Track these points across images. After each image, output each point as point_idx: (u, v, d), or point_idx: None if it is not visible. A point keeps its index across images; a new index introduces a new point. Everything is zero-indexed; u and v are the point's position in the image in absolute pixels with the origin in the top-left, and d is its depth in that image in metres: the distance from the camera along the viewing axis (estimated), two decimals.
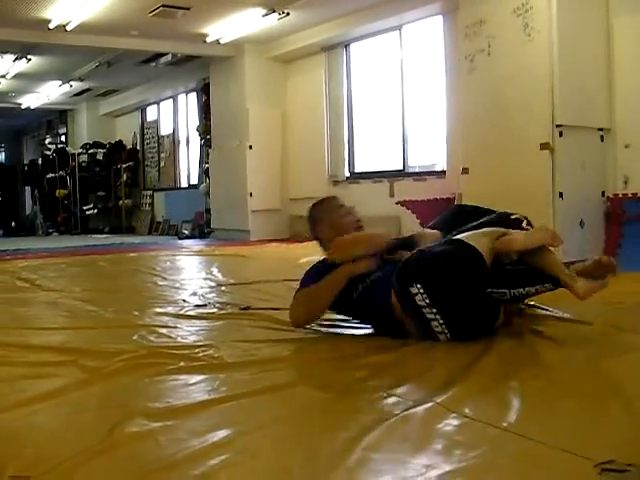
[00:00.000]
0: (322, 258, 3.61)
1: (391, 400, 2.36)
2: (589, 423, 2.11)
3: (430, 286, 3.10)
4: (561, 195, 6.42)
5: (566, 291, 3.17)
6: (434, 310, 3.10)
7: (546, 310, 3.97)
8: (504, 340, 3.24)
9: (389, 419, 2.13)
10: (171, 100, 15.42)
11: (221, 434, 2.08)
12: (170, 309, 4.34)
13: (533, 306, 4.02)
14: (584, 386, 2.52)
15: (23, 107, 16.81)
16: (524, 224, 3.55)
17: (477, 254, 3.13)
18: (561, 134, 6.43)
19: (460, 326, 3.12)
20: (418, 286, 3.10)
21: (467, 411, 2.20)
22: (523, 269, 3.16)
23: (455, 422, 2.12)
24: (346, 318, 3.64)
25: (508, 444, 1.92)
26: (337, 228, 3.60)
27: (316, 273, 3.47)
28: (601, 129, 6.83)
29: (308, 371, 2.83)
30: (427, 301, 3.09)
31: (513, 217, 3.60)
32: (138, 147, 16.91)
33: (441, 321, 3.09)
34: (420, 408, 2.25)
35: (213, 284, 5.72)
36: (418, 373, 2.69)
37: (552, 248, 3.16)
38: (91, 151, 17.03)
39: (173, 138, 15.54)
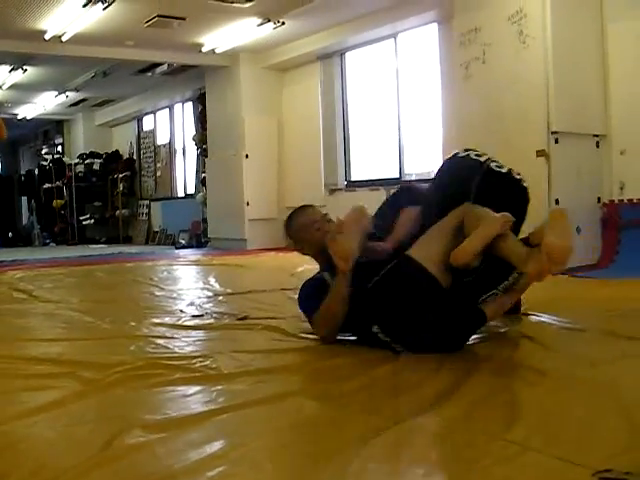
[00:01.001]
0: (315, 274, 3.61)
1: (389, 412, 2.36)
2: (587, 431, 2.11)
3: (386, 327, 3.13)
4: (557, 201, 6.43)
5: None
6: (398, 344, 3.11)
7: (541, 317, 3.98)
8: (499, 348, 3.25)
9: (387, 430, 2.13)
10: (167, 110, 15.43)
11: (218, 445, 2.08)
12: (167, 319, 4.34)
13: (528, 314, 4.02)
14: (581, 394, 2.52)
15: (19, 117, 16.81)
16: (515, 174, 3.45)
17: (429, 278, 3.09)
18: (557, 141, 6.45)
19: (427, 349, 3.10)
20: (376, 327, 3.14)
21: (465, 422, 2.20)
22: (486, 272, 3.10)
23: (453, 433, 2.13)
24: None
25: (506, 453, 1.92)
26: (317, 244, 3.55)
27: (314, 291, 3.44)
28: (596, 135, 6.85)
29: (306, 381, 2.84)
30: (388, 338, 3.13)
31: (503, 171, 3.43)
32: (135, 157, 16.92)
33: (407, 352, 3.10)
34: (418, 420, 2.25)
35: (210, 294, 5.71)
36: (416, 384, 2.68)
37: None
38: (88, 161, 17.03)
39: (169, 148, 15.55)
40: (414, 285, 3.11)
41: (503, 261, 3.02)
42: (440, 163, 3.75)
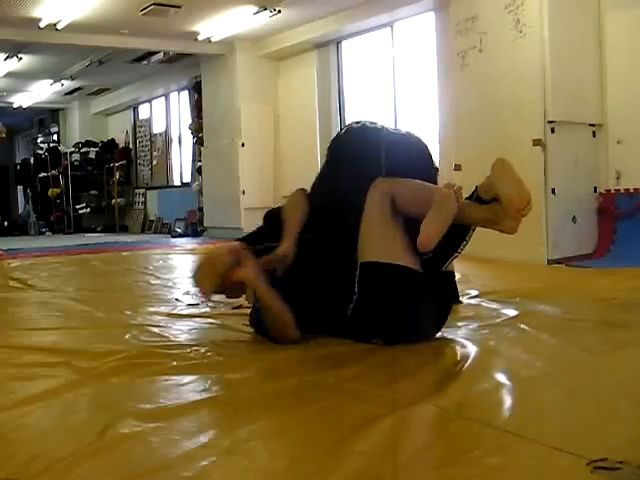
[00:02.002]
0: None
1: (384, 400, 2.35)
2: (582, 420, 2.11)
3: (388, 338, 3.07)
4: (553, 191, 6.43)
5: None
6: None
7: (537, 306, 3.98)
8: (495, 337, 3.24)
9: (383, 418, 2.12)
10: (163, 98, 15.40)
11: (213, 434, 2.08)
12: (163, 308, 4.33)
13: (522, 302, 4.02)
14: (578, 383, 2.52)
15: (15, 106, 16.79)
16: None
17: (402, 270, 3.03)
18: (553, 130, 6.44)
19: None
20: (376, 339, 3.09)
21: (461, 411, 2.20)
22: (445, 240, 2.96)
23: (450, 422, 2.13)
24: None
25: (500, 442, 1.92)
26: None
27: (259, 314, 3.32)
28: (593, 125, 6.85)
29: (301, 370, 2.82)
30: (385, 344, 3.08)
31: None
32: (130, 146, 16.90)
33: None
34: (413, 408, 2.25)
35: None
36: (409, 373, 2.68)
37: None
38: (83, 150, 17.01)
39: (165, 136, 15.53)
40: (395, 284, 3.05)
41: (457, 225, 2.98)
42: (334, 136, 3.74)
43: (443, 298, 3.19)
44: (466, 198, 3.01)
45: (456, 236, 2.99)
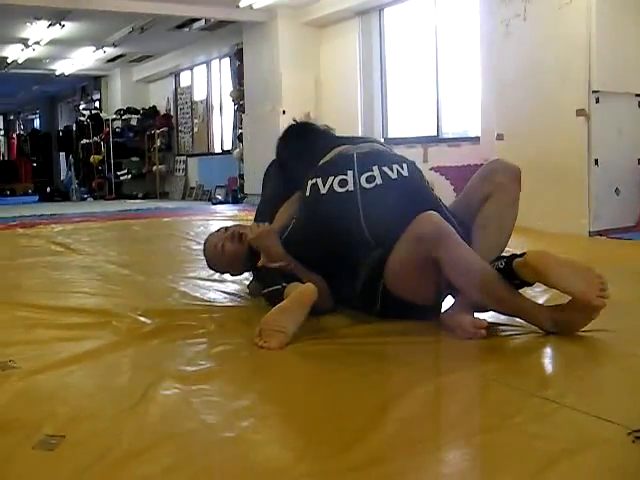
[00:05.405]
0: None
1: (425, 366, 2.36)
2: (623, 390, 2.11)
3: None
4: (596, 162, 6.35)
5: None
6: None
7: None
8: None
9: (424, 384, 2.13)
10: (204, 66, 15.39)
11: (253, 397, 2.10)
12: (203, 273, 4.35)
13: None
14: (618, 355, 2.51)
15: (57, 73, 16.87)
16: None
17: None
18: (597, 100, 6.35)
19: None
20: None
21: (503, 378, 2.19)
22: None
23: (491, 389, 2.14)
24: None
25: (541, 410, 1.92)
26: (234, 259, 3.48)
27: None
28: (638, 95, 6.73)
29: (340, 337, 2.82)
30: None
31: None
32: (172, 113, 16.92)
33: None
34: (455, 375, 2.26)
35: None
36: (453, 342, 2.68)
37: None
38: (125, 117, 17.07)
39: (207, 104, 15.53)
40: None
41: None
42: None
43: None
44: (497, 266, 2.68)
45: None
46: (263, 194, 3.87)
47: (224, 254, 3.48)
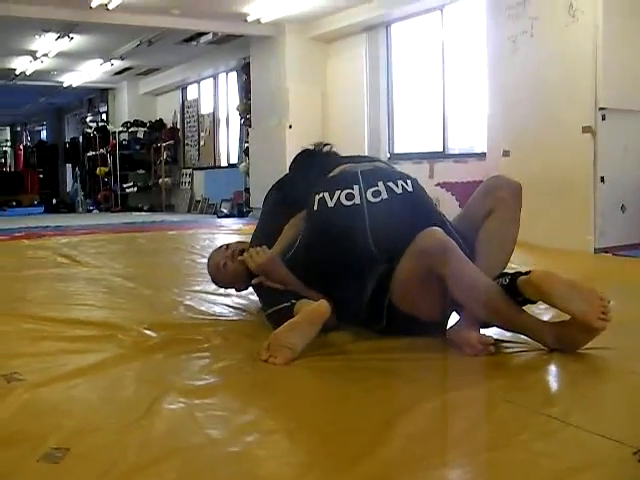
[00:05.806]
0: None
1: (431, 382, 2.36)
2: (629, 410, 2.10)
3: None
4: (602, 179, 6.35)
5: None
6: None
7: None
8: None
9: (430, 401, 2.13)
10: (212, 79, 15.43)
11: (257, 413, 2.10)
12: (208, 287, 4.34)
13: None
14: (623, 374, 2.50)
15: (65, 85, 16.93)
16: None
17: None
18: (604, 117, 6.35)
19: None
20: None
21: (508, 396, 2.19)
22: None
23: (496, 407, 2.13)
24: None
25: (546, 429, 1.91)
26: (236, 277, 3.51)
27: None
28: None
29: (344, 353, 2.82)
30: None
31: None
32: (178, 126, 16.96)
33: None
34: (460, 392, 2.26)
35: None
36: (458, 359, 2.67)
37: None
38: (132, 129, 17.11)
39: (213, 117, 15.57)
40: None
41: None
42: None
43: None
44: (500, 282, 2.69)
45: None
46: (260, 219, 3.86)
47: (226, 272, 3.52)
